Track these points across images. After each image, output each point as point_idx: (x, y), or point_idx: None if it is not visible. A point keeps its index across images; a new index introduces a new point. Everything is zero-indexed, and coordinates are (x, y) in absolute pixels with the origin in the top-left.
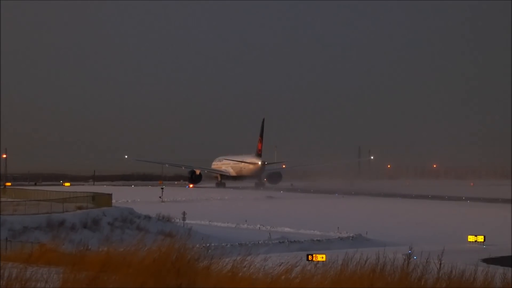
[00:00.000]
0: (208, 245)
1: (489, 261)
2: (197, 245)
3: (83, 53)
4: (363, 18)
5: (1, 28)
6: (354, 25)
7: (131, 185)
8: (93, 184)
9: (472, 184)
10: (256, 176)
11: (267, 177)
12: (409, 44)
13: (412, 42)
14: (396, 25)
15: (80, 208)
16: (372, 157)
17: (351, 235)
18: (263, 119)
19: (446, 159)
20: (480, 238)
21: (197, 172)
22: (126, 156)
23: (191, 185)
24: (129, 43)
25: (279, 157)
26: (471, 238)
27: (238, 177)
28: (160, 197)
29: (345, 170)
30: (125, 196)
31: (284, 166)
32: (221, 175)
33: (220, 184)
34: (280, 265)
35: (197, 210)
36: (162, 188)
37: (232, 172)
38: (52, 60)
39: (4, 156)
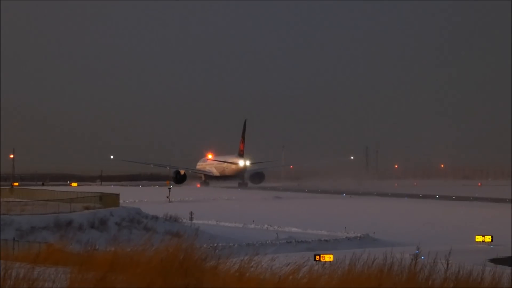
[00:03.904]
0: (215, 245)
1: (496, 261)
2: (205, 245)
3: (89, 53)
4: (366, 19)
5: (6, 27)
6: (359, 25)
7: (138, 185)
8: (101, 184)
9: (479, 184)
10: (239, 175)
11: (250, 177)
12: (414, 43)
13: (417, 42)
14: (399, 25)
15: (87, 208)
16: (352, 157)
17: (359, 235)
18: (245, 120)
19: (453, 159)
20: (488, 238)
21: (182, 172)
22: (112, 157)
23: (198, 185)
24: (129, 45)
25: (287, 157)
26: (478, 238)
27: (222, 177)
28: (167, 197)
29: (351, 170)
30: (132, 196)
31: (292, 167)
32: (205, 175)
33: (204, 184)
34: (287, 265)
35: (204, 210)
36: (169, 188)
37: (215, 172)
38: (59, 60)
39: (12, 156)
